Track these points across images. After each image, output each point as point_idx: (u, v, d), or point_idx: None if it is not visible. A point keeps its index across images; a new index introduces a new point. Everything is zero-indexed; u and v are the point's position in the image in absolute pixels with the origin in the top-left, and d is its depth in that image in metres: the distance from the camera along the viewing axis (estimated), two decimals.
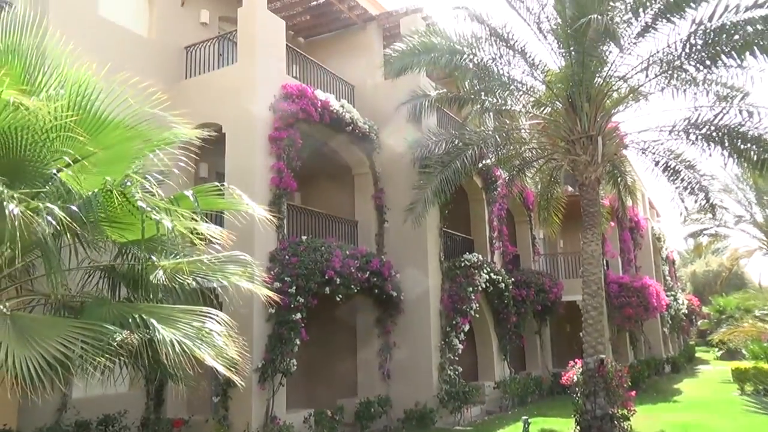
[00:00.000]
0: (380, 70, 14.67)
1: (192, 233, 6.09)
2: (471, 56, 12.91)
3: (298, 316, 10.34)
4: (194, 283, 7.01)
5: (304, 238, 11.23)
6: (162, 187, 6.47)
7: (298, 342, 10.37)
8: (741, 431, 11.22)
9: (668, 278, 31.57)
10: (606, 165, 13.92)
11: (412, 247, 13.81)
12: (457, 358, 13.78)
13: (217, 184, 6.61)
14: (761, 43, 11.23)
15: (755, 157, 12.80)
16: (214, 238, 6.47)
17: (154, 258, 6.86)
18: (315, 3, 14.67)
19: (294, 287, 10.30)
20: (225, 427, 9.85)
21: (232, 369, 6.20)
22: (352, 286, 11.50)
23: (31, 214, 4.89)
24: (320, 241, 11.36)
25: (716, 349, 35.53)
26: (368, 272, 11.97)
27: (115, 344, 5.49)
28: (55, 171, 5.95)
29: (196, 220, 6.26)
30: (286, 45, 12.59)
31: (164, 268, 6.71)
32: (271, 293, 7.73)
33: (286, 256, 10.57)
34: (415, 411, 12.76)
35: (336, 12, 14.88)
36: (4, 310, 5.53)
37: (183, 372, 6.68)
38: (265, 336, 10.30)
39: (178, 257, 7.01)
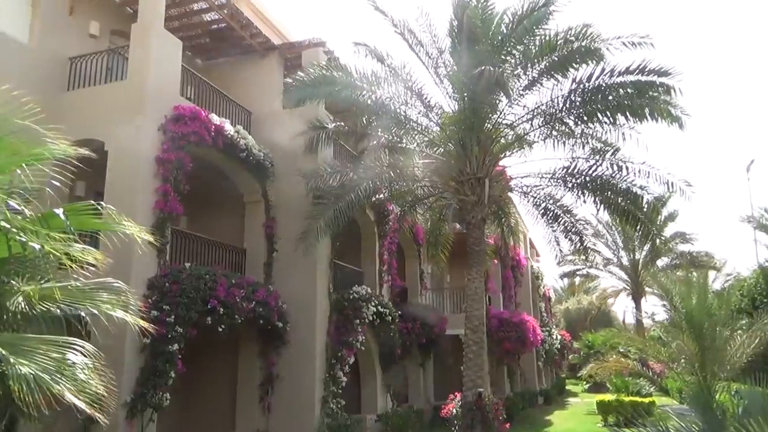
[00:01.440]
0: (279, 99, 14.59)
1: (65, 256, 5.64)
2: (370, 93, 13.22)
3: (176, 347, 9.82)
4: (58, 311, 6.47)
5: (187, 264, 10.77)
6: (33, 206, 5.98)
7: (174, 375, 9.82)
8: None
9: (544, 314, 33.49)
10: (492, 206, 14.64)
11: (302, 277, 13.66)
12: (340, 391, 13.68)
13: (92, 202, 6.15)
14: (630, 104, 12.46)
15: (623, 206, 14.03)
16: (90, 262, 6.02)
17: (14, 282, 6.28)
18: (216, 27, 14.41)
19: (173, 316, 9.80)
20: None
21: (96, 405, 5.76)
22: (237, 316, 11.13)
23: None
24: (205, 268, 10.95)
25: (584, 383, 37.93)
26: (254, 302, 11.67)
27: None
28: None
29: (76, 241, 5.82)
30: (182, 66, 12.22)
31: (25, 294, 6.15)
32: (146, 324, 7.31)
33: (167, 284, 10.05)
34: None
35: (237, 38, 14.69)
36: None
37: (37, 410, 6.12)
38: (137, 368, 9.66)
39: (42, 282, 6.45)
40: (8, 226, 4.97)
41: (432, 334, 18.98)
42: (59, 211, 5.73)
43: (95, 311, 6.40)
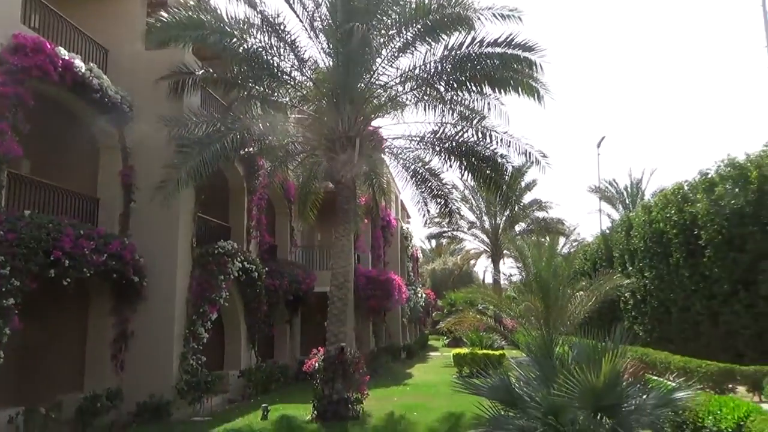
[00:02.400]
0: (141, 39, 13.52)
1: None
2: (241, 41, 12.65)
3: (11, 301, 8.95)
4: None
5: (27, 212, 9.78)
6: None
7: (8, 332, 8.97)
8: (452, 408, 12.79)
9: (411, 274, 34.81)
10: (363, 166, 14.75)
11: (162, 230, 12.99)
12: (201, 348, 13.35)
13: None
14: (496, 76, 13.01)
15: (486, 173, 14.76)
16: None
17: None
18: None
19: (8, 268, 8.90)
20: None
21: None
22: (85, 270, 10.36)
23: None
24: (48, 217, 10.01)
25: (445, 338, 40.23)
26: (106, 255, 10.92)
27: None
28: None
29: None
30: None
31: None
32: None
33: (1, 232, 9.07)
34: (150, 403, 12.02)
35: None
36: None
37: None
38: None
39: None
40: None
41: (300, 291, 19.04)
42: None
43: None
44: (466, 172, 15.11)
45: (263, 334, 17.07)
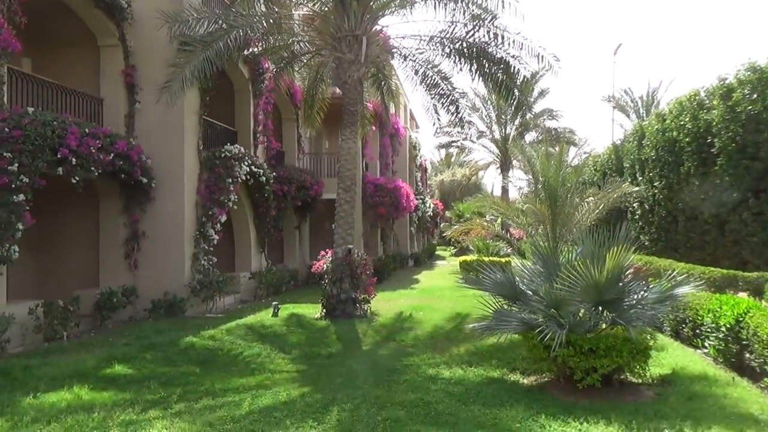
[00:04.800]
0: None
1: None
2: None
3: (21, 197, 9.04)
4: None
5: (30, 109, 9.66)
6: None
7: (21, 227, 9.13)
8: (455, 308, 13.15)
9: (419, 184, 34.80)
10: (370, 67, 14.36)
11: (168, 132, 12.91)
12: (212, 249, 13.61)
13: None
14: None
15: (497, 76, 14.31)
16: None
17: None
18: None
19: (16, 165, 8.92)
20: None
21: None
22: (93, 168, 10.37)
23: None
24: (52, 115, 9.89)
25: (452, 248, 40.87)
26: (113, 154, 10.89)
27: None
28: None
29: None
30: None
31: None
32: None
33: (6, 129, 9.01)
34: (164, 301, 12.44)
35: None
36: None
37: None
38: None
39: None
40: None
41: (308, 197, 19.13)
42: None
43: None
44: (477, 76, 14.64)
45: (272, 238, 17.34)
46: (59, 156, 9.57)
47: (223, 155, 13.95)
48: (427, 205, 34.65)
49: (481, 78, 14.63)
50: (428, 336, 10.54)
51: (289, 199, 17.73)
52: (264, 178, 15.70)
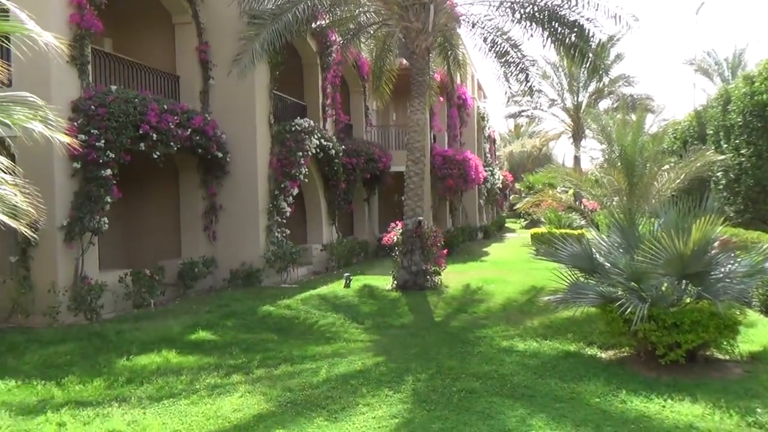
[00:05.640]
0: None
1: None
2: None
3: (109, 172, 9.53)
4: None
5: (114, 87, 10.11)
6: None
7: (110, 200, 9.64)
8: (527, 280, 12.91)
9: (488, 155, 34.17)
10: (437, 36, 14.10)
11: (241, 107, 13.21)
12: (285, 221, 13.93)
13: None
14: None
15: (570, 40, 13.72)
16: None
17: None
18: None
19: (103, 141, 9.38)
20: (26, 287, 9.12)
21: (24, 222, 5.61)
22: (172, 144, 10.78)
23: None
24: (134, 92, 10.32)
25: (522, 220, 40.13)
26: (190, 130, 11.26)
27: None
28: None
29: None
30: None
31: None
32: (71, 140, 6.96)
33: (92, 107, 9.48)
34: (242, 271, 12.90)
35: None
36: None
37: None
38: (70, 193, 9.44)
39: None
40: None
41: (377, 170, 19.18)
42: None
43: (8, 122, 5.99)
44: (548, 41, 14.08)
45: (342, 210, 17.56)
46: (141, 132, 9.99)
47: (293, 129, 14.16)
48: (496, 176, 34.04)
49: (553, 43, 14.07)
50: (500, 308, 10.44)
51: (358, 171, 17.84)
52: (333, 151, 15.84)
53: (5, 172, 5.75)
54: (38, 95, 6.82)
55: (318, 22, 14.36)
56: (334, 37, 16.32)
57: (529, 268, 15.50)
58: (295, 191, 14.13)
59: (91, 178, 9.47)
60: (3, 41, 7.13)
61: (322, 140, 15.12)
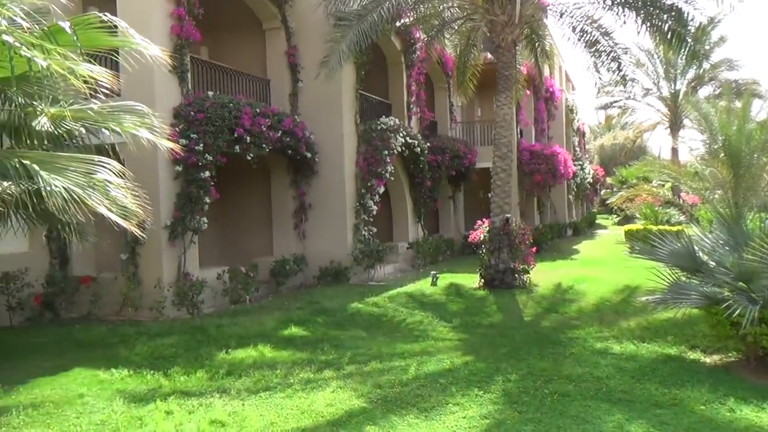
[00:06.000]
0: None
1: (72, 75, 5.47)
2: None
3: (207, 174, 10.05)
4: (83, 130, 6.55)
5: (210, 93, 10.63)
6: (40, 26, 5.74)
7: (208, 200, 10.17)
8: (621, 279, 12.39)
9: (577, 149, 33.01)
10: (523, 27, 13.78)
11: (328, 108, 13.50)
12: (371, 220, 14.11)
13: (98, 13, 5.88)
14: None
15: (667, 26, 12.98)
16: (101, 81, 5.90)
17: (35, 104, 6.30)
18: None
19: (201, 144, 9.90)
20: (135, 283, 9.80)
21: (133, 223, 6.02)
22: (264, 146, 11.20)
23: None
24: (228, 97, 10.80)
25: (615, 216, 38.46)
26: (281, 132, 11.65)
27: None
28: None
29: (90, 61, 5.67)
30: None
31: (47, 115, 6.20)
32: (174, 145, 7.41)
33: (192, 113, 10.03)
34: (330, 269, 13.21)
35: None
36: None
37: (77, 224, 6.45)
38: (173, 194, 10.03)
39: (63, 105, 6.45)
40: (12, 40, 4.78)
41: (462, 166, 19.04)
42: (65, 24, 5.50)
43: (119, 130, 6.44)
44: (642, 27, 13.39)
45: (428, 208, 17.56)
46: (236, 135, 10.45)
47: (379, 128, 14.31)
48: (586, 171, 32.82)
49: (647, 29, 13.37)
50: (593, 308, 10.08)
51: (443, 168, 17.78)
52: (419, 149, 15.87)
53: (117, 176, 6.19)
54: (143, 103, 7.32)
55: (402, 20, 14.43)
56: (418, 35, 16.35)
57: (622, 266, 14.86)
58: (381, 189, 14.27)
59: (191, 180, 10.02)
60: (113, 55, 7.69)
61: (408, 138, 15.18)
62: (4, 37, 4.72)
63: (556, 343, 7.74)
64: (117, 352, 7.58)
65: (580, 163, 31.74)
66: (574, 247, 22.65)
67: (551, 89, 25.51)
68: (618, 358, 6.92)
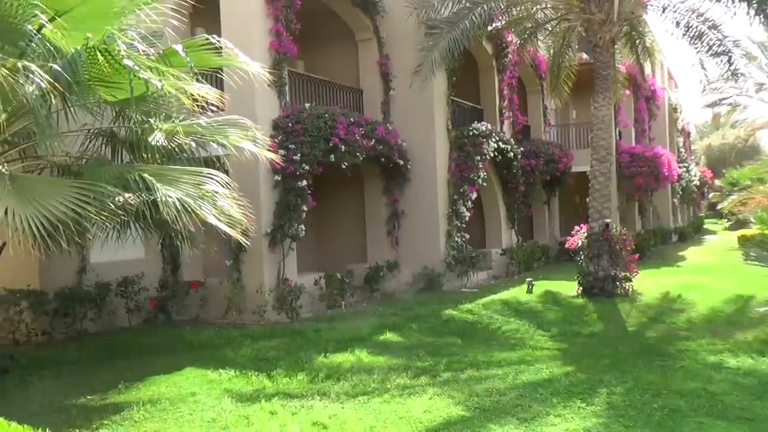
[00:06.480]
0: None
1: (184, 94, 5.86)
2: None
3: (304, 183, 10.41)
4: (193, 144, 6.99)
5: (307, 105, 11.01)
6: (156, 49, 6.21)
7: (306, 208, 10.53)
8: (735, 289, 11.52)
9: (682, 150, 31.17)
10: (622, 25, 13.22)
11: (419, 115, 13.59)
12: (464, 226, 14.02)
13: (207, 36, 6.29)
14: None
15: None
16: (209, 99, 6.29)
17: (151, 121, 6.81)
18: None
19: (299, 155, 10.26)
20: (239, 288, 10.29)
21: (236, 229, 6.34)
22: (358, 154, 11.44)
23: (9, 73, 4.73)
24: (324, 108, 11.14)
25: (725, 220, 35.87)
26: (374, 140, 11.86)
27: (113, 204, 5.56)
28: (35, 29, 5.69)
29: (198, 80, 6.08)
30: None
31: (162, 130, 6.66)
32: (275, 156, 7.75)
33: (290, 124, 10.42)
34: (423, 275, 13.24)
35: None
36: (3, 170, 5.58)
37: (188, 232, 6.88)
38: (272, 203, 10.45)
39: (175, 121, 6.92)
40: (132, 64, 5.18)
41: (557, 171, 18.51)
42: (178, 47, 5.91)
43: (225, 142, 6.81)
44: (755, 18, 12.47)
45: (522, 214, 17.21)
46: (331, 144, 10.75)
47: (470, 133, 14.19)
48: (692, 173, 30.89)
49: (761, 20, 12.44)
50: (704, 319, 9.46)
51: (537, 173, 17.36)
52: (511, 154, 15.60)
53: (224, 187, 6.55)
54: (245, 117, 7.70)
55: (494, 25, 14.27)
56: (510, 38, 16.11)
57: (735, 274, 13.85)
58: (474, 195, 14.16)
59: (289, 188, 10.41)
60: (218, 73, 8.17)
61: (500, 143, 14.96)
62: (125, 61, 5.14)
63: (664, 355, 7.33)
64: (224, 353, 7.98)
65: (686, 164, 29.92)
66: (680, 253, 21.38)
67: (652, 88, 24.27)
68: (734, 373, 6.45)
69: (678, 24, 13.71)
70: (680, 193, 28.42)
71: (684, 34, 13.82)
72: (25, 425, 2.94)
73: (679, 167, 26.19)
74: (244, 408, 5.75)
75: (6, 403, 5.76)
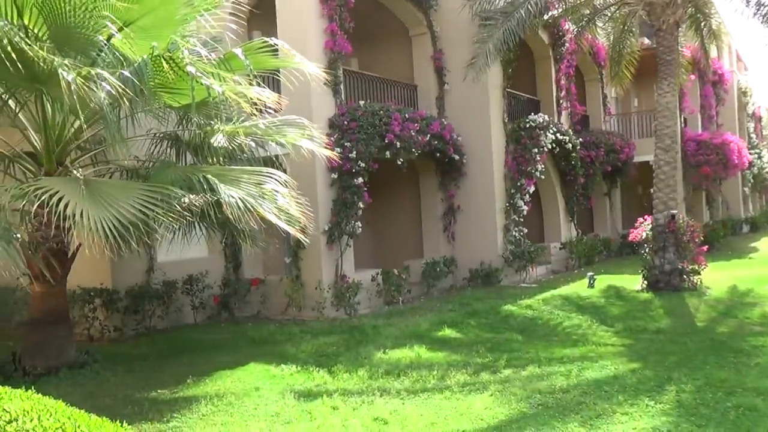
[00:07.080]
0: None
1: (243, 98, 6.01)
2: None
3: (360, 180, 10.48)
4: (253, 144, 7.17)
5: (362, 102, 11.09)
6: (216, 53, 6.40)
7: (362, 206, 10.62)
8: None
9: (753, 136, 29.61)
10: (687, 7, 12.68)
11: (474, 109, 13.43)
12: (522, 220, 13.79)
13: (265, 39, 6.44)
14: None
15: None
16: (267, 102, 6.43)
17: (213, 123, 7.02)
18: None
19: (354, 152, 10.34)
20: (298, 285, 10.49)
21: (296, 227, 6.47)
22: (413, 150, 11.43)
23: (83, 81, 4.98)
24: (378, 105, 11.19)
25: None
26: (429, 135, 11.82)
27: (180, 205, 5.78)
28: (104, 39, 5.97)
29: (258, 83, 6.25)
30: None
31: (223, 132, 6.87)
32: (332, 154, 7.85)
33: (345, 122, 10.52)
34: (481, 270, 13.10)
35: None
36: (77, 174, 5.89)
37: (250, 231, 7.08)
38: (329, 200, 10.58)
39: (235, 123, 7.12)
40: (194, 71, 5.36)
41: (618, 161, 17.95)
42: (238, 51, 6.09)
43: (283, 141, 6.95)
44: None
45: (581, 206, 16.79)
46: (386, 141, 10.78)
47: (527, 126, 13.94)
48: (764, 160, 29.33)
49: None
50: None
51: (597, 164, 16.89)
52: (570, 145, 15.23)
53: (283, 186, 6.69)
54: (301, 116, 7.84)
55: (550, 13, 13.96)
56: (567, 26, 15.70)
57: None
58: (532, 189, 13.90)
59: (345, 186, 10.51)
60: (275, 74, 8.34)
61: (558, 134, 14.63)
62: (188, 68, 5.32)
63: (738, 352, 7.01)
64: (285, 349, 8.15)
65: (757, 151, 28.43)
66: (752, 245, 20.35)
67: (720, 72, 23.14)
68: None
69: (748, 2, 13.03)
70: (751, 181, 27.06)
71: (755, 13, 13.12)
72: (103, 417, 3.09)
73: (750, 154, 24.89)
74: (306, 403, 5.86)
75: (84, 396, 6.07)
